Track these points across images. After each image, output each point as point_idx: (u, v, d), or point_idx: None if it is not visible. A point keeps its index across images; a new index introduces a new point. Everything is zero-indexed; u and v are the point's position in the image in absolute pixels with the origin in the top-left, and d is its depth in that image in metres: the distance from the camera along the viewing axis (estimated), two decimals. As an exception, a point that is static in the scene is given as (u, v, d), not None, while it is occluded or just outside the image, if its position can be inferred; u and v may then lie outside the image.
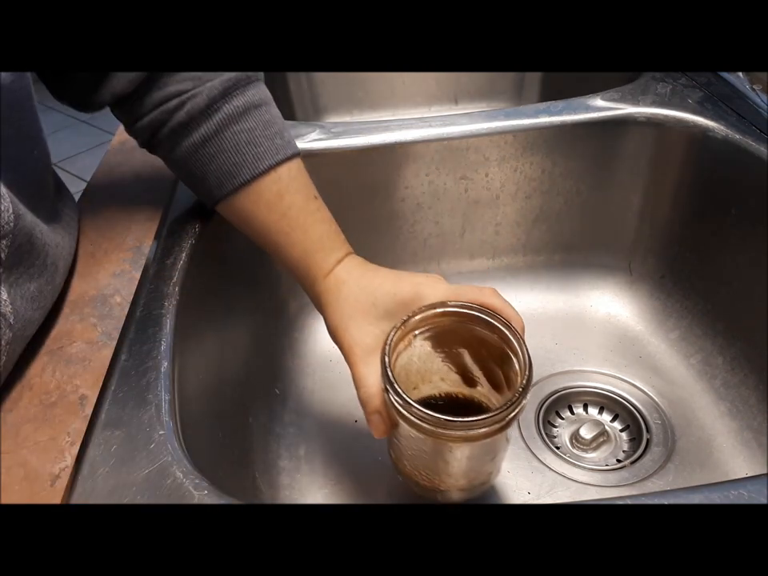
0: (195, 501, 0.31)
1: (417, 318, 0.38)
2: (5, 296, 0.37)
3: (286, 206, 0.42)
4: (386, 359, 0.36)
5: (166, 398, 0.36)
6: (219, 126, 0.41)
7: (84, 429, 0.35)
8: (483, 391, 0.42)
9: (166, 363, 0.38)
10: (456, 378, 0.43)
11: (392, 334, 0.37)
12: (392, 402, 0.35)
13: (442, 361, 0.42)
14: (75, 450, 0.34)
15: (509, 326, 0.37)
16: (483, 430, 0.34)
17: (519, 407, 0.35)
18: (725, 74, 0.60)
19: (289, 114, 0.87)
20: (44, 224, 0.41)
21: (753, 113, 0.55)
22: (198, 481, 0.32)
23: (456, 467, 0.38)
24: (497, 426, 0.34)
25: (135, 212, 0.53)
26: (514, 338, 0.37)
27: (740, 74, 0.59)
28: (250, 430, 0.51)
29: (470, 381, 0.43)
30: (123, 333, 0.41)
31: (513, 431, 0.39)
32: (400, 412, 0.35)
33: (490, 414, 0.34)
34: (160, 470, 0.32)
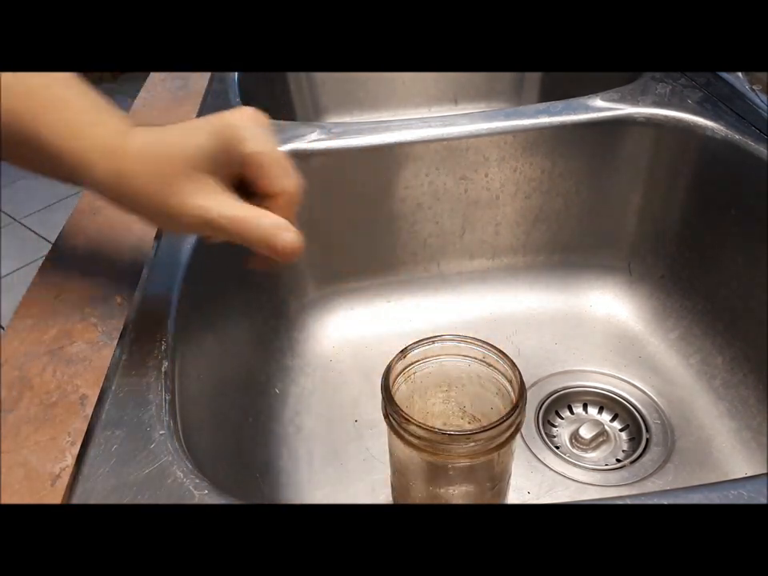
0: (195, 501, 0.31)
1: (416, 350, 0.38)
2: None
3: (33, 84, 0.32)
4: (387, 382, 0.36)
5: (167, 397, 0.36)
6: None
7: (84, 429, 0.35)
8: None
9: (167, 363, 0.38)
10: (459, 421, 0.43)
11: (392, 361, 0.37)
12: (392, 424, 0.35)
13: (442, 402, 0.42)
14: (76, 449, 0.34)
15: (501, 353, 0.38)
16: (481, 443, 0.34)
17: (517, 421, 0.35)
18: (724, 74, 0.60)
19: (289, 113, 0.87)
20: None
21: (752, 113, 0.55)
22: (198, 481, 0.32)
23: (456, 498, 0.38)
24: (495, 441, 0.34)
25: (135, 212, 0.53)
26: (507, 362, 0.38)
27: (739, 74, 0.59)
28: (250, 430, 0.51)
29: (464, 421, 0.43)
30: (124, 332, 0.41)
31: (513, 462, 0.39)
32: (399, 432, 0.35)
33: (489, 426, 0.34)
34: (160, 470, 0.32)
